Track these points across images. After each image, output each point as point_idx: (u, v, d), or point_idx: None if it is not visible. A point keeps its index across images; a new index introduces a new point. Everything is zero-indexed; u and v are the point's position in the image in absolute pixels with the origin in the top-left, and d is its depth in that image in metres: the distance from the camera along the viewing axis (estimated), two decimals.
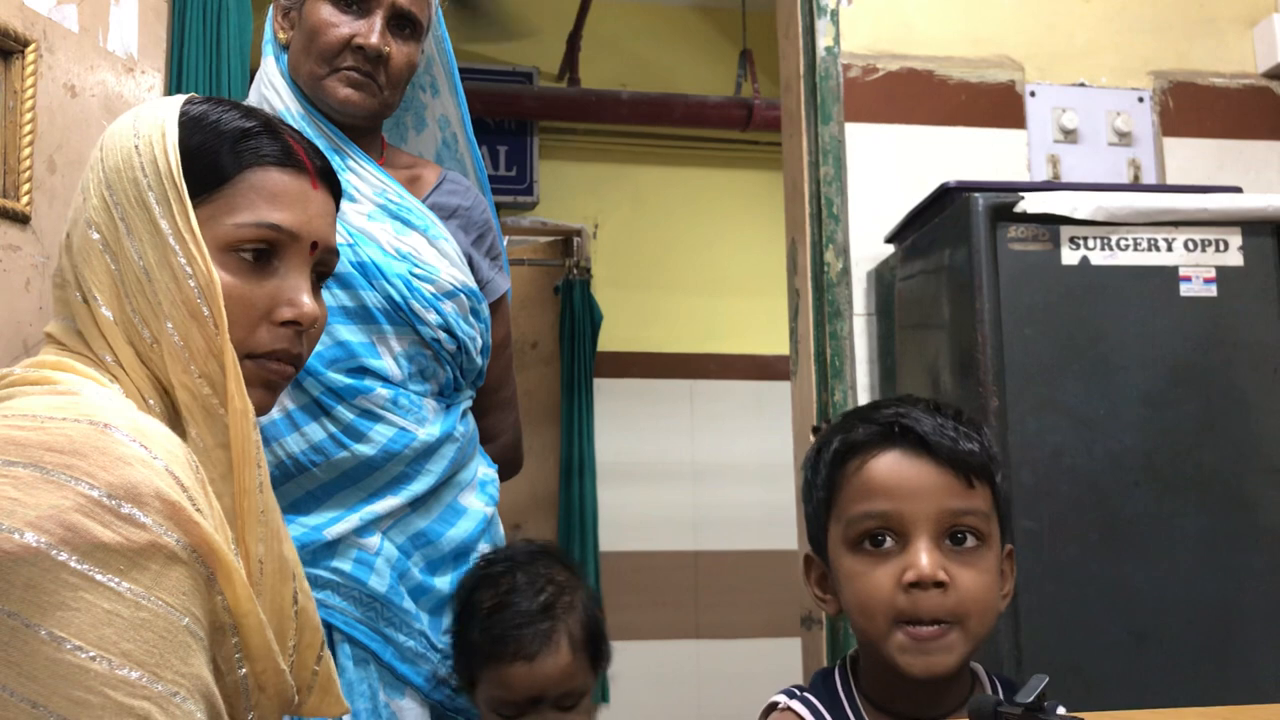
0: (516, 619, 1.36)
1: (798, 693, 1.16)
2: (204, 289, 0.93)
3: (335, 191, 1.06)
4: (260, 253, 0.97)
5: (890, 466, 1.11)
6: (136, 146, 0.96)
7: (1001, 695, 1.11)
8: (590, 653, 1.40)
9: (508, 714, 1.36)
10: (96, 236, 0.95)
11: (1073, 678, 1.77)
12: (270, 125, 1.01)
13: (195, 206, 0.94)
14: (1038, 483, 1.84)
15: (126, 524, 0.78)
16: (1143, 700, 1.75)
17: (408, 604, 1.48)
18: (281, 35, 1.59)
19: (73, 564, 0.76)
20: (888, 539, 1.09)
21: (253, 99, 1.59)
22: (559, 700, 1.36)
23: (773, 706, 1.16)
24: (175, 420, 0.92)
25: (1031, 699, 0.85)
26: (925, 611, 1.06)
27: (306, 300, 0.99)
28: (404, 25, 1.56)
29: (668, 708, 4.39)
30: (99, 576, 0.77)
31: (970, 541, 1.09)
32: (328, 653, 1.00)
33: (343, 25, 1.52)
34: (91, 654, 0.75)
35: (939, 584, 1.06)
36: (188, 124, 0.98)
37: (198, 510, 0.83)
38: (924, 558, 1.07)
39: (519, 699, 1.35)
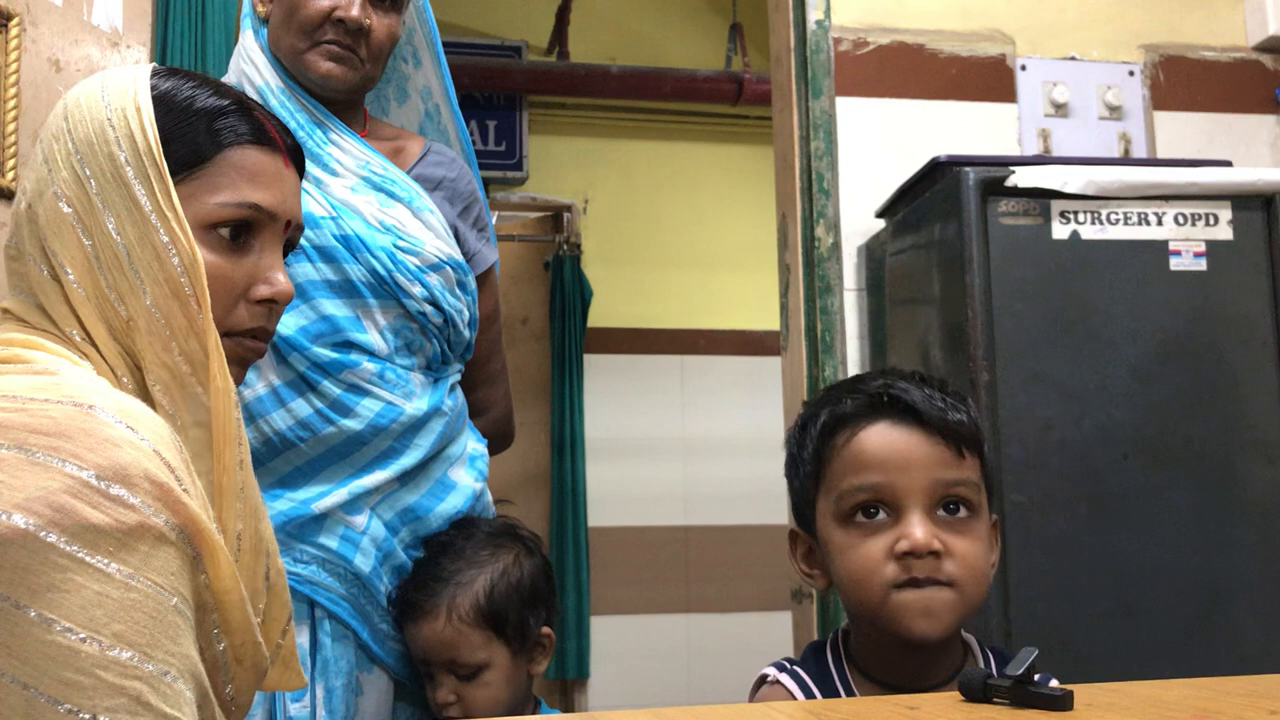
0: (414, 583, 1.48)
1: (788, 666, 1.16)
2: (187, 268, 0.92)
3: (302, 167, 1.07)
4: (237, 231, 0.98)
5: (881, 437, 1.11)
6: (109, 119, 0.94)
7: (994, 666, 1.12)
8: (498, 632, 1.46)
9: (418, 669, 1.50)
10: (68, 210, 0.93)
11: (1061, 650, 1.78)
12: (242, 102, 1.01)
13: (174, 185, 0.94)
14: (1027, 456, 1.85)
15: (116, 505, 0.78)
16: (1131, 672, 1.76)
17: (386, 586, 1.49)
18: (260, 9, 1.57)
19: (62, 546, 0.76)
20: (880, 511, 1.09)
21: (231, 74, 1.57)
22: (450, 666, 1.46)
23: (763, 679, 1.17)
24: (144, 398, 0.92)
25: (1021, 671, 0.85)
26: (921, 577, 1.06)
27: (281, 278, 1.00)
28: None
29: (658, 681, 4.41)
30: (88, 558, 0.76)
31: (962, 512, 1.10)
32: (293, 628, 1.00)
33: None
34: (82, 635, 0.75)
35: (933, 553, 1.06)
36: (161, 100, 0.97)
37: (184, 490, 0.83)
38: (918, 528, 1.06)
39: (414, 655, 1.48)
